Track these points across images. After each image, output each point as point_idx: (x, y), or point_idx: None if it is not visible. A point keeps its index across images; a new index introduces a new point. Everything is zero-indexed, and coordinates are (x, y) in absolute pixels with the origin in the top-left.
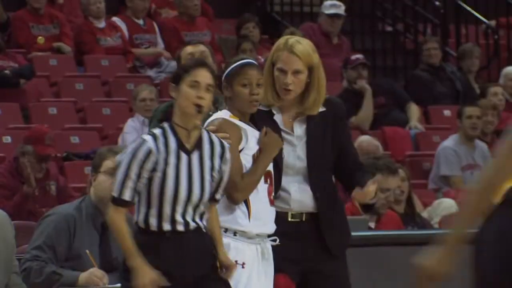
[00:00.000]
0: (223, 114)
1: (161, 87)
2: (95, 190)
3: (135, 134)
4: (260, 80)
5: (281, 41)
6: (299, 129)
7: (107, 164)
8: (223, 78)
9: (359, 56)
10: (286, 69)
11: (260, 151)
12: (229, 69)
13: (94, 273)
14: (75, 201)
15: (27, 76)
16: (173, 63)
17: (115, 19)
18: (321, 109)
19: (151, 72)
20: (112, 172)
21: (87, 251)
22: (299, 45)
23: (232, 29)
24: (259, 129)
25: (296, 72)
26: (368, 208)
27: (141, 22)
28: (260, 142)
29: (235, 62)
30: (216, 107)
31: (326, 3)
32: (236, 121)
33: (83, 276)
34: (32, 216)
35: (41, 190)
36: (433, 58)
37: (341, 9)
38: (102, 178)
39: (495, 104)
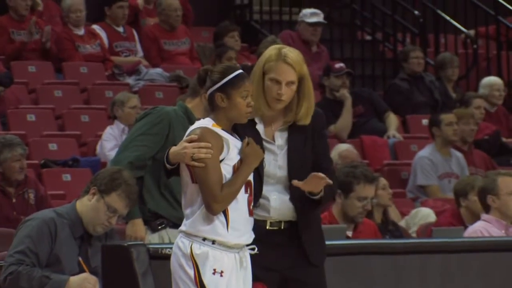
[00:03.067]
0: (206, 122)
1: (140, 95)
2: (91, 210)
3: (114, 141)
4: (252, 91)
5: (272, 51)
6: (280, 139)
7: (115, 201)
8: (215, 88)
9: (343, 64)
10: (281, 79)
11: (241, 161)
12: (226, 79)
13: (88, 279)
14: (56, 207)
15: (5, 83)
16: (152, 71)
17: (95, 26)
18: None
19: (130, 80)
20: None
21: (79, 258)
22: (292, 55)
23: (210, 36)
24: (241, 139)
25: (290, 83)
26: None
27: (121, 29)
28: (241, 152)
29: (226, 72)
30: None
31: (306, 11)
32: (219, 131)
33: (74, 281)
34: (9, 223)
35: (19, 198)
36: (419, 67)
37: (321, 17)
38: (100, 206)
39: (473, 113)
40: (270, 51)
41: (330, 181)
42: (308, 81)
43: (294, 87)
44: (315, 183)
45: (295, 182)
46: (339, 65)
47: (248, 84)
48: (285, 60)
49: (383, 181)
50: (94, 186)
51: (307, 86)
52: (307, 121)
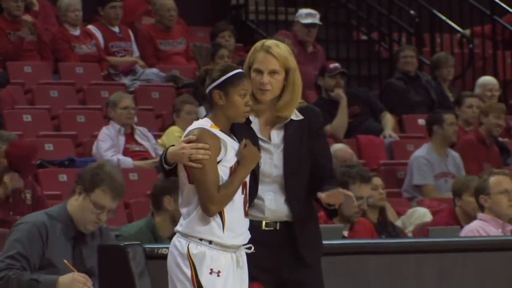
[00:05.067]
0: (204, 123)
1: (136, 95)
2: (79, 210)
3: (110, 142)
4: (250, 90)
5: (258, 44)
6: (276, 137)
7: (100, 197)
8: (214, 85)
9: (337, 64)
10: (262, 69)
11: (238, 163)
12: (224, 77)
13: (77, 278)
14: (48, 209)
15: (1, 84)
16: (148, 71)
17: (90, 27)
18: (299, 117)
19: (125, 80)
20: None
21: (65, 261)
22: (276, 47)
23: (206, 37)
24: (238, 139)
25: (273, 72)
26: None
27: (116, 29)
28: (238, 154)
29: (226, 71)
30: None
31: (302, 12)
32: (216, 132)
33: (63, 280)
34: (5, 223)
35: (16, 198)
36: (409, 66)
37: (316, 18)
38: (87, 205)
39: (503, 107)
40: (256, 44)
41: (351, 194)
42: (294, 74)
43: (278, 77)
44: (338, 197)
45: (321, 195)
46: (333, 65)
47: (247, 83)
48: (267, 50)
49: (374, 181)
50: (78, 185)
51: (293, 79)
52: (286, 113)
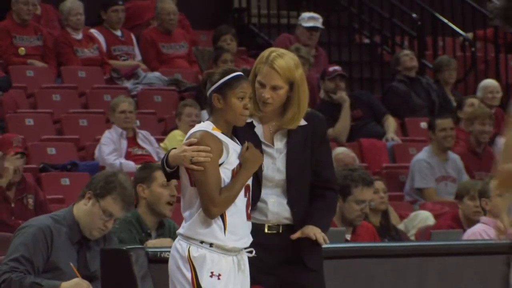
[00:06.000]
0: (206, 126)
1: (138, 99)
2: (87, 214)
3: (112, 145)
4: (251, 94)
5: (264, 53)
6: (280, 142)
7: (110, 205)
8: (212, 88)
9: (337, 67)
10: (265, 83)
11: (240, 166)
12: (223, 80)
13: (80, 284)
14: (54, 212)
15: (3, 88)
16: (150, 75)
17: (93, 30)
18: (303, 123)
19: (128, 84)
20: (106, 211)
21: (71, 264)
22: (281, 60)
23: (209, 40)
24: (241, 143)
25: (275, 88)
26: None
27: (119, 33)
28: (241, 157)
29: (225, 74)
30: None
31: (304, 15)
32: (218, 134)
33: (66, 286)
34: (7, 227)
35: (19, 203)
36: (413, 62)
37: (319, 22)
38: (96, 210)
39: (491, 113)
40: (264, 53)
41: (322, 242)
42: (299, 87)
43: (281, 92)
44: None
45: (293, 237)
46: (332, 68)
47: (246, 86)
48: (271, 65)
49: (376, 184)
50: (89, 190)
51: (298, 92)
52: (292, 126)
